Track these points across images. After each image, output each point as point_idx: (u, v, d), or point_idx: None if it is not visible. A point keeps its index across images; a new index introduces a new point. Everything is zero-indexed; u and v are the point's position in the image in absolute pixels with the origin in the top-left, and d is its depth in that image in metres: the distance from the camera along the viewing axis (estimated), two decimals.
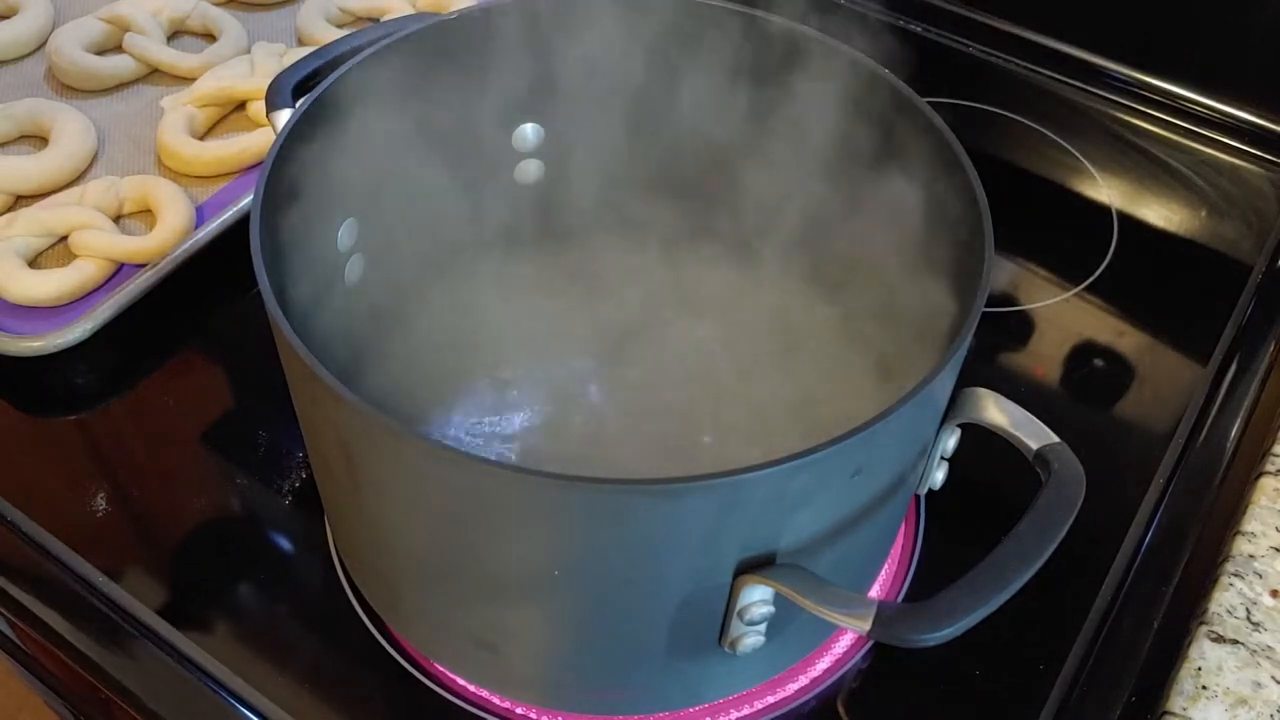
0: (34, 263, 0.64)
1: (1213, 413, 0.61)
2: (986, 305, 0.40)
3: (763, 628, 0.41)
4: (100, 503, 0.55)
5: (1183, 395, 0.62)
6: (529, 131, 0.59)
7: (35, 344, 0.59)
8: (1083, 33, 0.84)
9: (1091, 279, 0.69)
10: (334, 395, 0.36)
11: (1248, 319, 0.67)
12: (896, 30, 0.86)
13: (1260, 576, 0.52)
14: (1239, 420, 0.61)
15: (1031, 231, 0.72)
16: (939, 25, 0.87)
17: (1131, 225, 0.73)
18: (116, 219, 0.66)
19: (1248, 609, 0.51)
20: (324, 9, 0.80)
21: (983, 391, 0.43)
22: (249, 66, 0.74)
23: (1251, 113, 0.80)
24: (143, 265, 0.62)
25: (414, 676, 0.49)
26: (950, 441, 0.45)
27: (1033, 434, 0.41)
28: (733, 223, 0.60)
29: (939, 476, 0.47)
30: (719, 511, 0.36)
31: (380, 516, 0.42)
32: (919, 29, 0.87)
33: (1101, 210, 0.74)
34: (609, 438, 0.54)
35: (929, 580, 0.53)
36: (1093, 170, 0.77)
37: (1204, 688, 0.48)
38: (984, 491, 0.55)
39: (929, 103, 0.47)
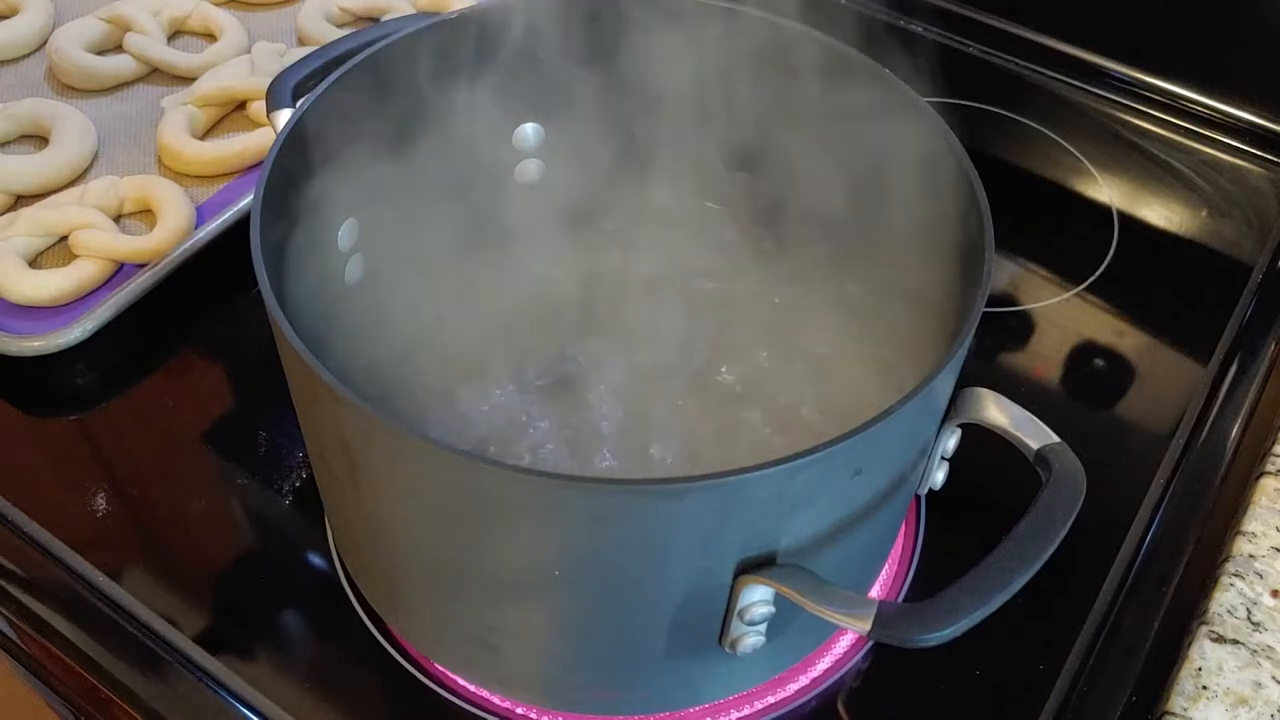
0: (34, 263, 0.64)
1: (1213, 413, 0.61)
2: (986, 305, 0.40)
3: (763, 628, 0.41)
4: (100, 503, 0.55)
5: (1183, 395, 0.62)
6: (529, 131, 0.59)
7: (35, 344, 0.59)
8: (1083, 33, 0.84)
9: (1091, 279, 0.69)
10: (335, 395, 0.36)
11: (1248, 319, 0.67)
12: (896, 30, 0.86)
13: (1260, 576, 0.52)
14: (1239, 420, 0.61)
15: (1031, 231, 0.72)
16: (939, 25, 0.87)
17: (1131, 225, 0.73)
18: (117, 219, 0.66)
19: (1248, 609, 0.51)
20: (324, 9, 0.80)
21: (983, 391, 0.43)
22: (249, 66, 0.74)
23: (1251, 113, 0.80)
24: (143, 265, 0.62)
25: (414, 676, 0.49)
26: (950, 441, 0.45)
27: (1033, 434, 0.41)
28: (732, 222, 0.60)
29: (939, 476, 0.47)
30: (720, 511, 0.36)
31: (380, 516, 0.42)
32: (919, 29, 0.87)
33: (1101, 210, 0.74)
34: (612, 437, 0.54)
35: (929, 580, 0.53)
36: (1093, 170, 0.77)
37: (1204, 688, 0.48)
38: (984, 491, 0.55)
39: (929, 103, 0.47)
